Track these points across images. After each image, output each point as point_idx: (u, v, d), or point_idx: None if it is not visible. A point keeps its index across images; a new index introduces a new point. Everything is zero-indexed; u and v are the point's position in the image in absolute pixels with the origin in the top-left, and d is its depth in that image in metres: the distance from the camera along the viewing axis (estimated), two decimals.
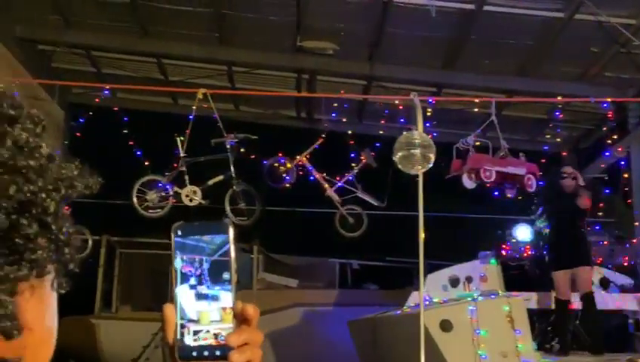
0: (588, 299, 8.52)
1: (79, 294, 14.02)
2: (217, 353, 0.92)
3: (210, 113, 9.66)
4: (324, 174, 10.29)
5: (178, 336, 0.93)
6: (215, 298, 0.93)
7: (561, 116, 11.50)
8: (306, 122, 14.33)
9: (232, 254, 0.94)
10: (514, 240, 9.82)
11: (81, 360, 15.88)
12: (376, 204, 10.27)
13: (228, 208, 9.76)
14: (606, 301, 9.46)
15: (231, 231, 0.95)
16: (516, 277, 9.75)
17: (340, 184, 10.22)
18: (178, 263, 0.94)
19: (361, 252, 14.29)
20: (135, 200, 9.63)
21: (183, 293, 0.93)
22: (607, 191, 11.88)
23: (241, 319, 0.94)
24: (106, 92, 10.34)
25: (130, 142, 10.11)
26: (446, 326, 7.60)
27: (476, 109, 10.24)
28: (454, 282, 9.41)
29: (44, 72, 12.35)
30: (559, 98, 10.66)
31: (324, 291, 13.63)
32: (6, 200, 0.75)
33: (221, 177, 9.80)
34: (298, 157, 10.20)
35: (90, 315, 13.41)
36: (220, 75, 13.07)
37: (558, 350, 8.63)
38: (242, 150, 9.93)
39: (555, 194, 8.95)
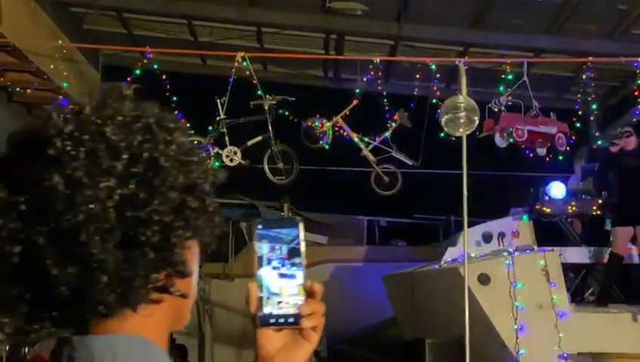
0: None
1: None
2: (290, 320, 1.15)
3: (241, 75, 9.84)
4: (359, 134, 10.48)
5: (261, 307, 1.16)
6: (291, 276, 1.16)
7: (590, 75, 11.62)
8: (333, 81, 14.46)
9: (302, 244, 1.17)
10: (547, 198, 10.03)
11: None
12: (410, 163, 10.47)
13: (266, 167, 10.01)
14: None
15: (300, 226, 1.17)
16: (549, 232, 9.96)
17: (375, 143, 10.41)
18: (263, 250, 1.17)
19: (388, 209, 14.51)
20: None
21: (267, 273, 1.16)
22: None
23: (309, 293, 1.17)
24: (148, 55, 10.50)
25: (172, 105, 10.28)
26: (484, 279, 7.93)
27: (508, 68, 10.37)
28: (487, 238, 9.66)
29: (77, 34, 12.49)
30: (590, 58, 10.76)
31: (353, 248, 13.90)
32: (178, 184, 1.03)
33: (260, 138, 10.04)
34: (334, 118, 10.38)
35: None
36: (249, 35, 13.16)
37: (596, 300, 8.85)
38: (279, 111, 10.13)
39: (613, 160, 9.01)
